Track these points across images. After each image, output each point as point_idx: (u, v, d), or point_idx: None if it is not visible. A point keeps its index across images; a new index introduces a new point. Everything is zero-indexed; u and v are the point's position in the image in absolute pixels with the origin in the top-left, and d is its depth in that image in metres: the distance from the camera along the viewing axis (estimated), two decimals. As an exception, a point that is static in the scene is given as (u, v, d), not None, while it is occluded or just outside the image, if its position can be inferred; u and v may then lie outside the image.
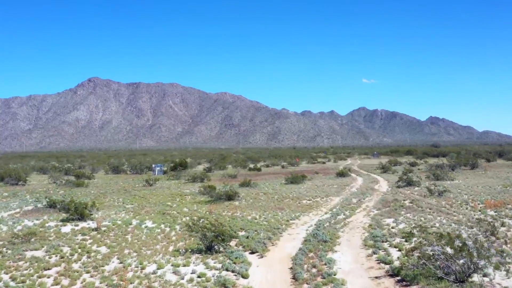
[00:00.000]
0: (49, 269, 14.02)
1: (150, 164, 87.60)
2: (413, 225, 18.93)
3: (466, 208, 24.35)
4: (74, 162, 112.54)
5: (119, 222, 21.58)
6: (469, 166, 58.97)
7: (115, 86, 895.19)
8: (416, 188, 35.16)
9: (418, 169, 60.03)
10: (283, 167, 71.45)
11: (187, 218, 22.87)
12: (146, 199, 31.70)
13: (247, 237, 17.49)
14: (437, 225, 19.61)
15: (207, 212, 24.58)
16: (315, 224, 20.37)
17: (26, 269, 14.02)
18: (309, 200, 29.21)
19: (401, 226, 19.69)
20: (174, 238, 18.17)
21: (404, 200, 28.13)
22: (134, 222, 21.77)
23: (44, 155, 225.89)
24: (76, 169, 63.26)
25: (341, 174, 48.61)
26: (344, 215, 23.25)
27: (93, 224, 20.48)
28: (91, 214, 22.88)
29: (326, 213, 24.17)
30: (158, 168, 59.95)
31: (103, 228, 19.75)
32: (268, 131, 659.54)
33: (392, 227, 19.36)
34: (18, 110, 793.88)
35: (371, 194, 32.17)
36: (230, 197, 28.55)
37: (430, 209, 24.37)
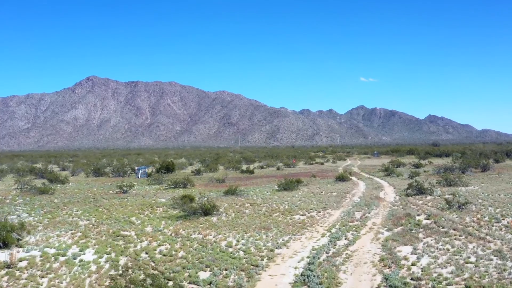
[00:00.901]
0: None
1: (141, 164, 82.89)
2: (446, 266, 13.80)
3: (500, 228, 19.30)
4: (60, 163, 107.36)
5: (51, 252, 16.46)
6: (479, 168, 53.93)
7: (113, 84, 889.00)
8: (429, 197, 30.09)
9: (425, 171, 54.98)
10: (278, 168, 66.38)
11: (144, 244, 17.81)
12: (110, 212, 26.58)
13: (210, 283, 12.40)
14: (473, 259, 14.56)
15: (172, 235, 19.45)
16: (307, 257, 15.26)
17: None
18: (302, 215, 24.06)
19: (425, 261, 14.61)
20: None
21: (418, 215, 23.08)
22: (71, 251, 16.63)
23: (37, 154, 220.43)
24: (49, 171, 57.89)
25: (341, 178, 43.53)
26: (346, 239, 18.15)
27: (8, 257, 15.26)
28: (20, 240, 17.72)
29: (323, 235, 19.05)
30: (142, 171, 54.84)
31: (20, 264, 14.64)
32: (267, 129, 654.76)
33: (413, 263, 14.26)
34: (16, 109, 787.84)
35: (377, 205, 27.09)
36: (207, 211, 23.41)
37: (454, 229, 19.31)
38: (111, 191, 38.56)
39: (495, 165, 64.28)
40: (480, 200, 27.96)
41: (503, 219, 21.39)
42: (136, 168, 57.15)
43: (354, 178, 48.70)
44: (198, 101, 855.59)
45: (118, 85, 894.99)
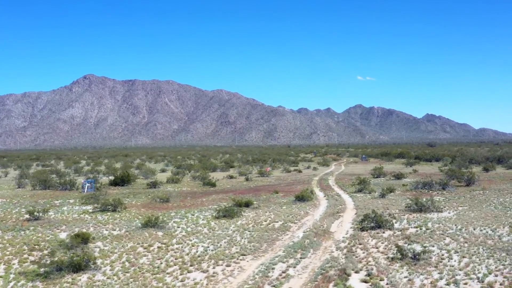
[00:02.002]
0: None
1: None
2: None
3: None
4: (30, 166, 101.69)
5: None
6: (463, 182, 48.30)
7: (110, 83, 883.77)
8: (387, 234, 24.40)
9: (403, 184, 49.32)
10: (247, 179, 60.64)
11: None
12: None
13: None
14: None
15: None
16: None
17: None
18: (204, 271, 18.24)
19: None
20: None
21: (357, 272, 17.40)
22: None
23: (23, 154, 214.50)
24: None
25: (301, 198, 37.81)
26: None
27: None
28: None
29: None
30: (88, 185, 49.16)
31: None
32: (264, 128, 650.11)
33: None
34: (12, 107, 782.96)
35: (316, 248, 21.43)
36: (77, 267, 17.65)
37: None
38: (27, 216, 32.75)
39: (483, 175, 58.84)
40: (446, 241, 22.28)
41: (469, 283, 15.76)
42: (82, 181, 51.42)
43: (320, 194, 43.07)
44: (196, 99, 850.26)
45: (115, 84, 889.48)
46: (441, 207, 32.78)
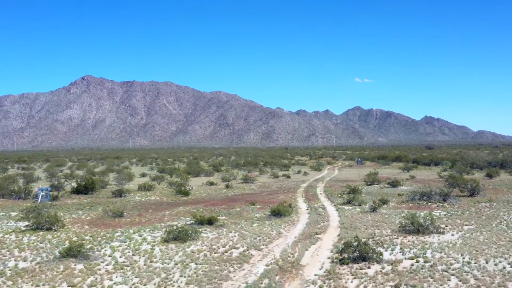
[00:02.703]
0: None
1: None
2: None
3: None
4: (6, 170, 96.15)
5: None
6: (467, 192, 42.54)
7: (108, 84, 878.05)
8: (372, 270, 18.61)
9: (399, 194, 43.53)
10: (227, 186, 54.87)
11: None
12: None
13: None
14: None
15: None
16: None
17: None
18: None
19: None
20: None
21: None
22: None
23: (14, 155, 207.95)
24: None
25: (277, 212, 32.01)
26: None
27: None
28: None
29: None
30: (43, 193, 43.37)
31: None
32: (262, 130, 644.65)
33: None
34: (10, 108, 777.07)
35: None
36: None
37: None
38: None
39: (487, 182, 53.15)
40: (452, 284, 16.52)
41: None
42: (36, 189, 45.61)
43: (303, 207, 37.31)
44: (194, 101, 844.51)
45: (113, 85, 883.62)
46: (443, 226, 26.99)
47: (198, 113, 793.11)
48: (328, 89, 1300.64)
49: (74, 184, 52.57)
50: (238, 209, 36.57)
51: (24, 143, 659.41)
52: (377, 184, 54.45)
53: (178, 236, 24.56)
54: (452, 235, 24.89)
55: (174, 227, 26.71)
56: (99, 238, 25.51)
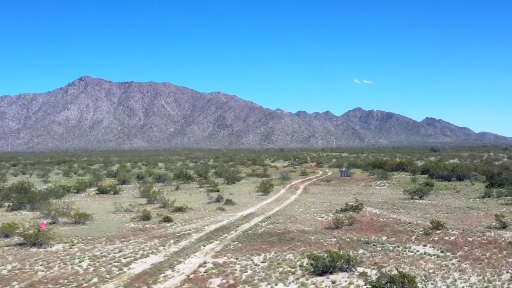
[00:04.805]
0: None
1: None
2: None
3: None
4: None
5: None
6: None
7: (106, 85, 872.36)
8: None
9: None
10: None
11: None
12: None
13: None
14: None
15: None
16: None
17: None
18: None
19: None
20: None
21: None
22: None
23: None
24: None
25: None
26: None
27: None
28: None
29: None
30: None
31: None
32: (262, 131, 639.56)
33: None
34: (7, 109, 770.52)
35: None
36: None
37: None
38: None
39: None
40: None
41: None
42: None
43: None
44: (193, 102, 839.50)
45: (111, 86, 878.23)
46: None
47: (196, 114, 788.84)
48: (328, 90, 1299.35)
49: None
50: None
51: (19, 144, 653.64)
52: (355, 237, 23.32)
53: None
54: None
55: None
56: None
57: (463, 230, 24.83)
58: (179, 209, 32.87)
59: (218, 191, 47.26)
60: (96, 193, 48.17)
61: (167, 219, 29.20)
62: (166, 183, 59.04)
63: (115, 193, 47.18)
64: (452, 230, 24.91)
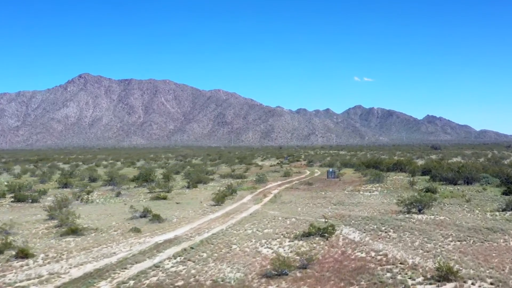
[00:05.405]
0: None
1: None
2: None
3: None
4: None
5: None
6: None
7: (106, 82, 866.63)
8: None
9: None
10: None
11: None
12: None
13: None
14: None
15: None
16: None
17: None
18: None
19: None
20: None
21: None
22: None
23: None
24: None
25: None
26: None
27: None
28: None
29: None
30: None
31: None
32: (261, 129, 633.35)
33: None
34: (6, 107, 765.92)
35: None
36: None
37: None
38: None
39: None
40: None
41: None
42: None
43: None
44: (193, 99, 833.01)
45: (111, 83, 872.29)
46: None
47: (196, 111, 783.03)
48: (328, 87, 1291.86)
49: None
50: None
51: (18, 142, 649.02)
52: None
53: None
54: None
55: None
56: None
57: (491, 284, 15.46)
58: (73, 231, 24.68)
59: (165, 198, 40.33)
60: (12, 201, 40.90)
61: (23, 255, 19.63)
62: (114, 186, 51.92)
63: (34, 201, 39.77)
64: (473, 284, 15.50)
